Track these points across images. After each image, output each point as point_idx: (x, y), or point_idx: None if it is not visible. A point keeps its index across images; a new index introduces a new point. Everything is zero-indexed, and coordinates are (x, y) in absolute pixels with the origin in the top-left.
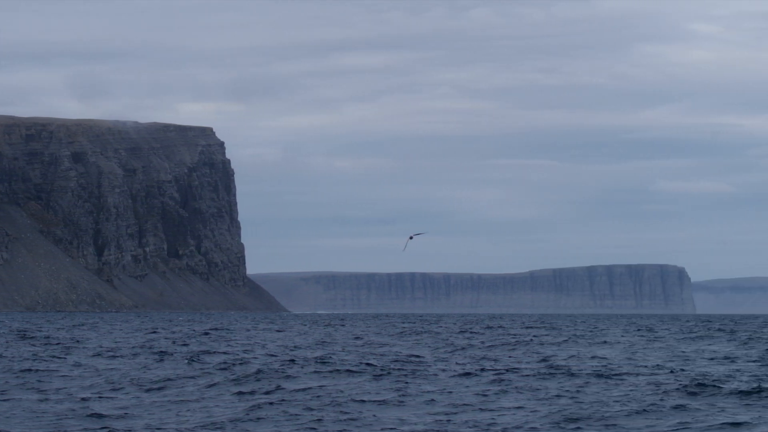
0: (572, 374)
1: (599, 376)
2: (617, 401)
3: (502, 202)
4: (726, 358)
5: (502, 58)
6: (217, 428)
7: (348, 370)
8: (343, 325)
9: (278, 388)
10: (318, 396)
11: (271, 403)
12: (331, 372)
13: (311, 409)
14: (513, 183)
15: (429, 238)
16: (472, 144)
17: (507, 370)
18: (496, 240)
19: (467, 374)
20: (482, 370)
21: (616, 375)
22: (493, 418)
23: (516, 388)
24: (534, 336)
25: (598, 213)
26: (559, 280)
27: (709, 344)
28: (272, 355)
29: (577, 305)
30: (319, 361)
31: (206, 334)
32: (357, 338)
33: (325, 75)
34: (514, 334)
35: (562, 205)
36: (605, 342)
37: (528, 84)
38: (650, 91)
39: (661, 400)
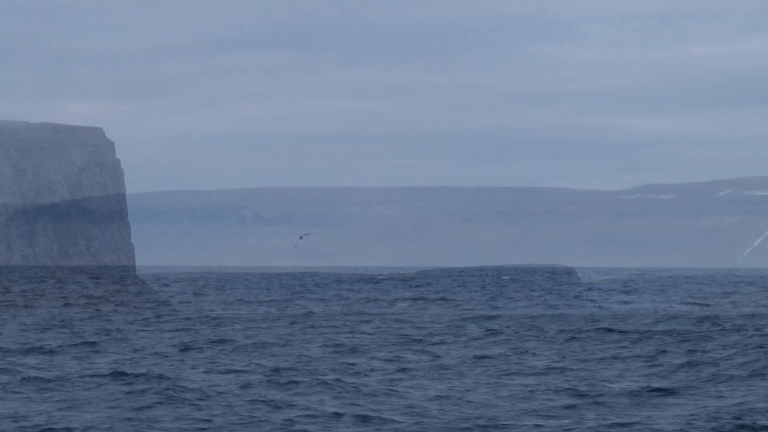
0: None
1: (489, 376)
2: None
3: (393, 202)
4: (614, 357)
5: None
6: None
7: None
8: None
9: None
10: None
11: None
12: None
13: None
14: (402, 181)
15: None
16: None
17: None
18: (387, 239)
19: None
20: None
21: (506, 375)
22: None
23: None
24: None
25: (485, 213)
26: None
27: (598, 344)
28: None
29: None
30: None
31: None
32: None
33: (215, 74)
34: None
35: (452, 205)
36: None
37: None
38: (539, 91)
39: (551, 400)
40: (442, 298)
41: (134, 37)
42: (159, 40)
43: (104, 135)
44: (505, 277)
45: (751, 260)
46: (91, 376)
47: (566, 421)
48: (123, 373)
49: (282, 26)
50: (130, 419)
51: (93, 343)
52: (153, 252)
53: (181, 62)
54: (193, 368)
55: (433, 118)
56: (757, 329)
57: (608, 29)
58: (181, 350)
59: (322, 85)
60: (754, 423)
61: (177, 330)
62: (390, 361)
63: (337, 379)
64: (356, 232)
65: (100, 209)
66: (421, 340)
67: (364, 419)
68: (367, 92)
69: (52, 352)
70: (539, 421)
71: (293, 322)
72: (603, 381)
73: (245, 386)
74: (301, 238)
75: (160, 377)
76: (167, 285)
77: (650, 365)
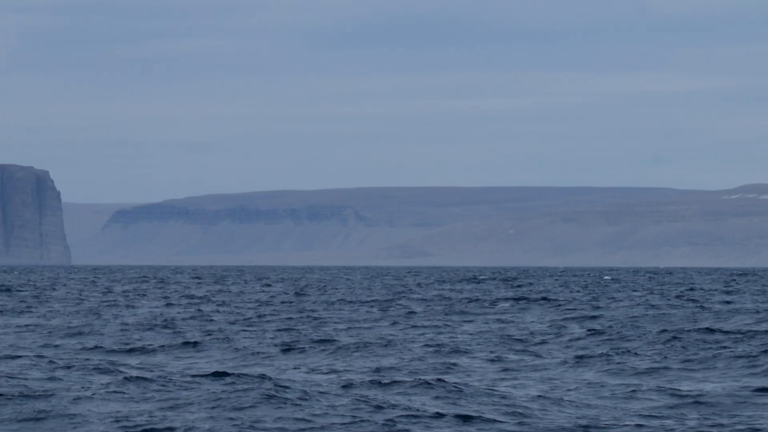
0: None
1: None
2: None
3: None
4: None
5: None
6: None
7: None
8: None
9: None
10: None
11: None
12: None
13: None
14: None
15: None
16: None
17: None
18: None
19: None
20: None
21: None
22: None
23: None
24: None
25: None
26: None
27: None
28: None
29: None
30: None
31: None
32: None
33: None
34: None
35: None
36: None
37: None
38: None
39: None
40: (544, 298)
41: (237, 38)
42: (261, 39)
43: None
44: (606, 277)
45: None
46: (193, 376)
47: (668, 422)
48: (224, 373)
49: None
50: (231, 419)
51: (195, 344)
52: (253, 251)
53: (282, 61)
54: (294, 368)
55: (532, 118)
56: None
57: None
58: (283, 350)
59: (421, 84)
60: None
61: (279, 330)
62: (491, 361)
63: (438, 379)
64: (457, 232)
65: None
66: (522, 340)
67: (466, 419)
68: (465, 92)
69: (153, 352)
70: (641, 422)
71: (395, 322)
72: (704, 381)
73: (347, 386)
74: None
75: (262, 377)
76: (269, 285)
77: (752, 365)
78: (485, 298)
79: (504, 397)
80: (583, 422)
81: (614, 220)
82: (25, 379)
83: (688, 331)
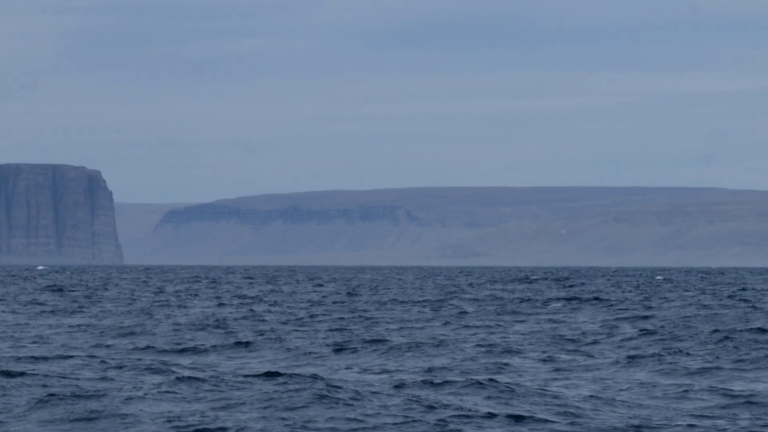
0: None
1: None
2: None
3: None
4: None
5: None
6: None
7: None
8: None
9: None
10: None
11: None
12: None
13: None
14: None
15: None
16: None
17: None
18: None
19: None
20: None
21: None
22: None
23: None
24: None
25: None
26: None
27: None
28: None
29: None
30: None
31: None
32: None
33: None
34: None
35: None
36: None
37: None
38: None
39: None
40: (596, 298)
41: (289, 38)
42: (313, 39)
43: None
44: (658, 277)
45: None
46: (245, 376)
47: (720, 422)
48: (277, 373)
49: (434, 24)
50: (283, 419)
51: (247, 344)
52: (305, 251)
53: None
54: (346, 368)
55: (584, 118)
56: None
57: None
58: (335, 350)
59: (473, 84)
60: None
61: (331, 330)
62: (543, 361)
63: (490, 379)
64: (509, 232)
65: None
66: (574, 340)
67: (518, 419)
68: (518, 92)
69: (205, 352)
70: (693, 422)
71: (447, 322)
72: (756, 381)
73: (399, 386)
74: None
75: (314, 377)
76: (321, 285)
77: None
78: (537, 298)
79: (556, 397)
80: (635, 422)
81: (666, 220)
82: (77, 379)
83: (740, 331)
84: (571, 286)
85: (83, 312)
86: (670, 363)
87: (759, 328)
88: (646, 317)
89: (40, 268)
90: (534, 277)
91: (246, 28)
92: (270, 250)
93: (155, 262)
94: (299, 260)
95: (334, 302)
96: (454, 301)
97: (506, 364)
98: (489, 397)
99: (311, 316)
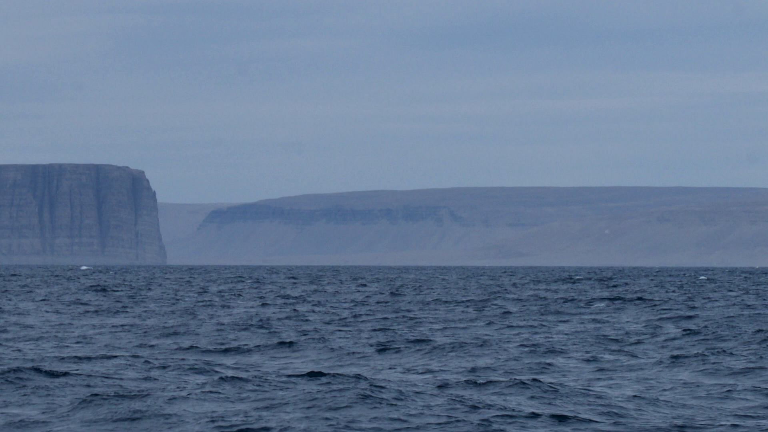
0: None
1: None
2: None
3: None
4: None
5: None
6: None
7: None
8: None
9: None
10: None
11: None
12: None
13: None
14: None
15: None
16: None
17: None
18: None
19: None
20: None
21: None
22: None
23: None
24: None
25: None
26: None
27: None
28: None
29: None
30: None
31: None
32: None
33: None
34: None
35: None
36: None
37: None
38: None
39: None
40: (639, 298)
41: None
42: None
43: None
44: (702, 277)
45: None
46: (288, 376)
47: (764, 422)
48: (320, 373)
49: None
50: (326, 419)
51: (290, 344)
52: (349, 251)
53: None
54: (390, 368)
55: (627, 118)
56: None
57: None
58: (378, 350)
59: (517, 84)
60: None
61: (374, 330)
62: (587, 361)
63: (534, 379)
64: (553, 232)
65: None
66: (618, 340)
67: (561, 419)
68: (562, 92)
69: (249, 352)
70: (736, 422)
71: (490, 322)
72: None
73: (442, 386)
74: None
75: (357, 377)
76: (364, 285)
77: None
78: (580, 298)
79: (599, 397)
80: (679, 422)
81: (710, 220)
82: (121, 379)
83: None
84: (614, 286)
85: (127, 312)
86: (714, 363)
87: None
88: (689, 317)
89: (84, 268)
90: (577, 277)
91: (291, 29)
92: (313, 250)
93: (198, 262)
94: (343, 260)
95: (378, 302)
96: (497, 301)
97: (550, 364)
98: (533, 397)
99: (355, 316)
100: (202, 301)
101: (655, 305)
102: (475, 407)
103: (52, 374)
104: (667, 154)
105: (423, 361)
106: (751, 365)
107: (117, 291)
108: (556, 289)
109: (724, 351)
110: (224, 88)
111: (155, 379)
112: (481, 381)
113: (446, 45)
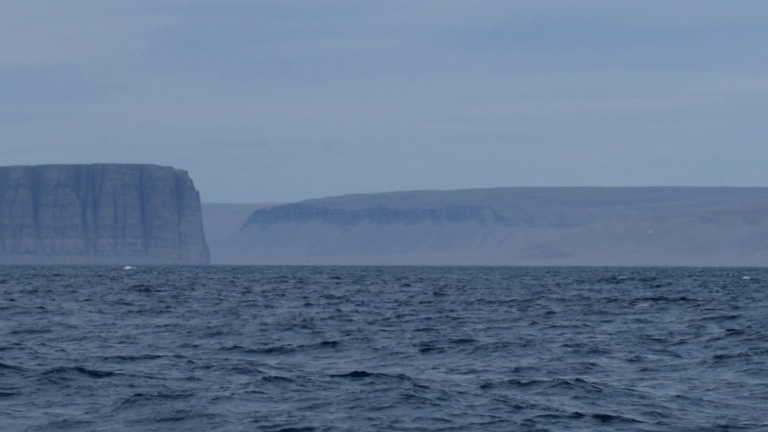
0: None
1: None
2: None
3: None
4: None
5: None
6: None
7: None
8: None
9: None
10: None
11: None
12: None
13: None
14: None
15: None
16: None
17: None
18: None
19: None
20: None
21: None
22: None
23: None
24: None
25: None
26: None
27: None
28: None
29: None
30: None
31: None
32: None
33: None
34: None
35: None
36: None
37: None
38: None
39: None
40: (683, 298)
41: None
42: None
43: None
44: (745, 277)
45: None
46: (332, 376)
47: None
48: (363, 373)
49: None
50: (370, 419)
51: (334, 344)
52: (393, 251)
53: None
54: (433, 368)
55: (671, 118)
56: None
57: None
58: (422, 350)
59: (561, 84)
60: None
61: (418, 330)
62: (630, 361)
63: (577, 379)
64: (597, 232)
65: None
66: (661, 340)
67: (605, 419)
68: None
69: (292, 351)
70: None
71: (534, 322)
72: None
73: (486, 386)
74: None
75: (401, 377)
76: (408, 285)
77: None
78: (624, 298)
79: (643, 397)
80: (722, 422)
81: (753, 220)
82: (164, 379)
83: None
84: (658, 286)
85: (170, 312)
86: (758, 363)
87: None
88: (733, 317)
89: (127, 268)
90: (621, 277)
91: (335, 28)
92: (357, 250)
93: (242, 262)
94: (386, 260)
95: (421, 302)
96: (541, 301)
97: (593, 364)
98: (576, 397)
99: (398, 316)
100: (246, 301)
101: (698, 305)
102: (518, 407)
103: (96, 374)
104: (711, 153)
105: (466, 361)
106: None
107: (160, 291)
108: (600, 289)
109: (767, 351)
110: (268, 88)
111: (199, 379)
112: (525, 381)
113: (489, 44)
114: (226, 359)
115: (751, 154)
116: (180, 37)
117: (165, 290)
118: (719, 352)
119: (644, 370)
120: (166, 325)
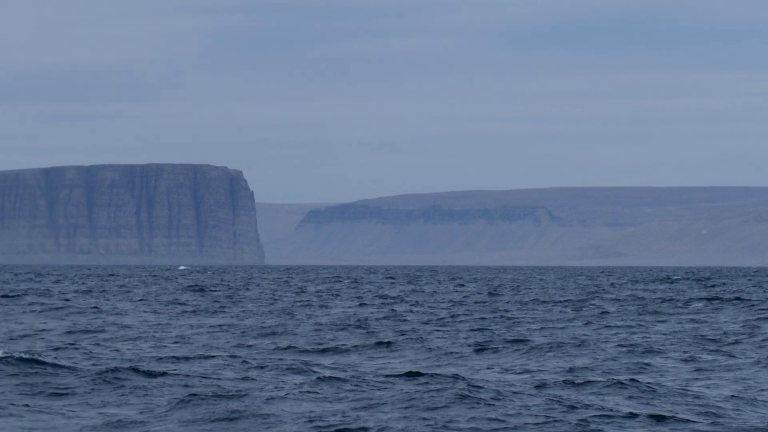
0: None
1: None
2: None
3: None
4: None
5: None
6: None
7: None
8: None
9: None
10: None
11: None
12: None
13: None
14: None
15: None
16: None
17: None
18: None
19: None
20: None
21: None
22: None
23: None
24: None
25: None
26: None
27: None
28: None
29: None
30: None
31: None
32: None
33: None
34: None
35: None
36: None
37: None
38: None
39: None
40: (737, 298)
41: (431, 38)
42: (455, 39)
43: None
44: None
45: None
46: (386, 376)
47: None
48: (418, 373)
49: (576, 25)
50: (424, 419)
51: (388, 344)
52: (447, 251)
53: (476, 61)
54: (488, 368)
55: (725, 118)
56: None
57: None
58: (476, 350)
59: (615, 84)
60: None
61: (472, 330)
62: (685, 361)
63: (632, 379)
64: (651, 232)
65: None
66: (715, 340)
67: (659, 419)
68: (659, 92)
69: (347, 351)
70: None
71: (588, 322)
72: None
73: (540, 386)
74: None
75: (455, 377)
76: (462, 285)
77: None
78: (678, 298)
79: (697, 397)
80: None
81: None
82: (219, 379)
83: None
84: (712, 286)
85: (225, 312)
86: None
87: None
88: None
89: (182, 268)
90: (675, 277)
91: (390, 29)
92: (411, 250)
93: (296, 262)
94: (440, 260)
95: (476, 302)
96: (595, 301)
97: (647, 364)
98: (630, 397)
99: (452, 316)
100: (300, 301)
101: (753, 305)
102: (572, 407)
103: (150, 374)
104: (765, 153)
105: (521, 361)
106: None
107: (215, 291)
108: (654, 289)
109: None
110: (323, 88)
111: (253, 379)
112: (579, 381)
113: (544, 44)
114: (281, 359)
115: None
116: (236, 37)
117: (219, 290)
118: None
119: (699, 370)
120: (220, 325)
